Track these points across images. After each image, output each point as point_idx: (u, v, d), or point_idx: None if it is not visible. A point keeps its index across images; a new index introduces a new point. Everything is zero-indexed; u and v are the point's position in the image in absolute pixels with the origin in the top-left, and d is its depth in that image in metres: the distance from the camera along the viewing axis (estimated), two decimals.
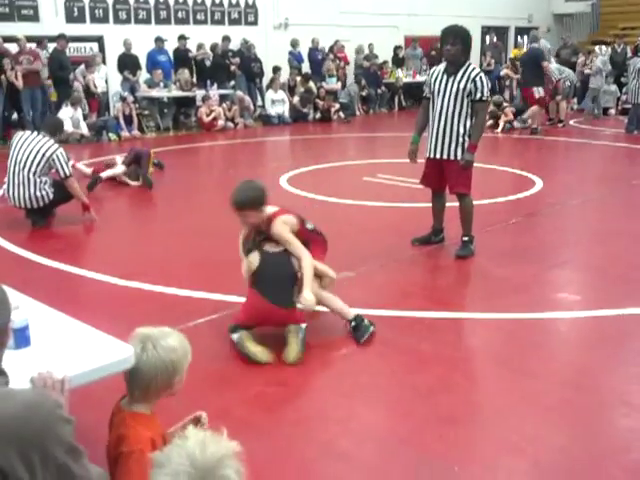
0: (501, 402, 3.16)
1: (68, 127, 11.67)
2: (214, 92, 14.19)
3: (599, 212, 7.06)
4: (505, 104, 14.10)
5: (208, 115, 13.48)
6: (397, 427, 2.98)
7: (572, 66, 16.99)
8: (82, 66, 12.80)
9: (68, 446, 1.39)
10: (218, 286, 4.58)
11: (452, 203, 5.50)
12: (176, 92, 13.65)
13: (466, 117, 5.15)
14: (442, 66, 5.27)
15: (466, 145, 5.16)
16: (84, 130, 11.96)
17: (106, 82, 13.44)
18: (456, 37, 5.09)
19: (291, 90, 15.66)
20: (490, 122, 13.54)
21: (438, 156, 5.29)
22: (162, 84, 13.61)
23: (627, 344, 3.83)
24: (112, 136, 12.38)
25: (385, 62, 17.78)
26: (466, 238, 5.39)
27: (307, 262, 3.74)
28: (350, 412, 3.09)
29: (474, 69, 5.14)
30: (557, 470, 2.63)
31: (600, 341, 3.84)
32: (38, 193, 6.28)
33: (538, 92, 12.49)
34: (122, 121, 12.61)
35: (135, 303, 4.37)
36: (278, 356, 3.65)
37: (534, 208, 7.07)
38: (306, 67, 16.44)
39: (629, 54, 16.74)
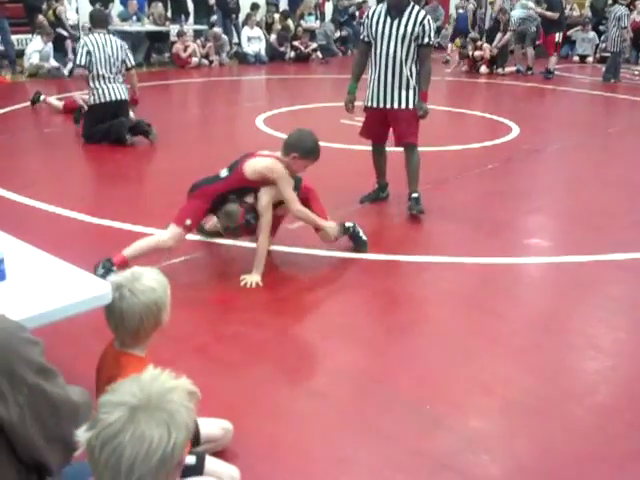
0: (472, 343, 3.23)
1: (35, 59, 11.35)
2: (188, 27, 13.81)
3: (574, 159, 7.10)
4: (480, 42, 13.99)
5: (184, 51, 13.15)
6: (371, 366, 3.02)
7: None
8: None
9: (37, 366, 1.35)
10: None
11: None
12: (150, 26, 13.26)
13: (412, 62, 4.79)
14: (381, 7, 4.83)
15: (413, 92, 4.84)
16: (53, 63, 11.61)
17: (77, 13, 13.00)
18: None
19: (268, 28, 15.31)
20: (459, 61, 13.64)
21: (382, 105, 4.91)
22: (135, 17, 13.19)
23: (596, 289, 3.91)
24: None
25: (364, 1, 17.41)
26: (416, 195, 5.01)
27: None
28: (325, 352, 3.13)
29: (420, 11, 4.75)
30: (525, 410, 2.70)
31: (570, 286, 3.91)
32: (123, 86, 6.97)
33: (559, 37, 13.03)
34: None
35: (108, 241, 4.32)
36: (254, 298, 3.67)
37: (510, 154, 7.09)
38: (284, 4, 16.03)
39: (609, 1, 16.62)
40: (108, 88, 6.87)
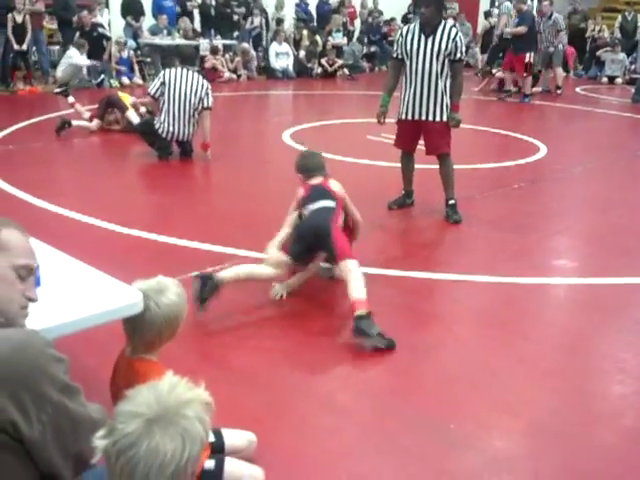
0: (497, 363, 3.20)
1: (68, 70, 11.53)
2: (217, 42, 13.98)
3: (602, 181, 7.04)
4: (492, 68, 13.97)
5: (216, 65, 13.32)
6: (394, 384, 3.02)
7: (581, 33, 16.79)
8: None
9: (61, 384, 1.37)
10: (219, 239, 4.58)
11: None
12: (180, 40, 13.42)
13: (446, 77, 5.10)
14: (414, 25, 5.15)
15: (446, 106, 5.11)
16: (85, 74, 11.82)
17: (109, 26, 13.22)
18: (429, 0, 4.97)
19: (296, 44, 15.44)
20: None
21: (417, 117, 5.20)
22: (165, 31, 13.38)
23: (624, 312, 3.86)
24: (113, 82, 12.23)
25: (393, 19, 17.50)
26: (453, 201, 5.34)
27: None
28: (348, 369, 3.13)
29: (452, 28, 5.07)
30: (550, 432, 2.67)
31: (597, 309, 3.87)
32: (192, 128, 6.95)
33: (530, 57, 12.10)
34: (114, 64, 12.43)
35: (135, 251, 4.38)
36: (277, 310, 3.68)
37: (537, 174, 7.05)
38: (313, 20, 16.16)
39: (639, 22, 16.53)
40: (174, 128, 6.87)
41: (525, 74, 12.29)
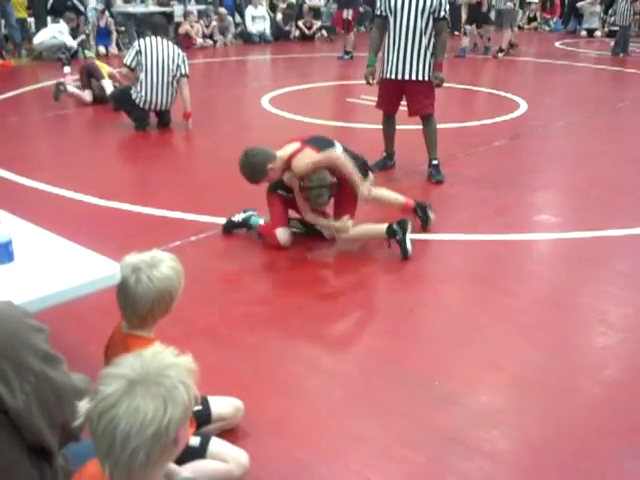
0: (480, 320, 3.23)
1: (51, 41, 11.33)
2: (192, 7, 13.72)
3: (583, 135, 7.05)
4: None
5: (190, 32, 13.08)
6: (380, 344, 3.03)
7: None
8: None
9: (43, 354, 1.36)
10: (201, 208, 4.55)
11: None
12: (153, 7, 13.18)
13: (430, 35, 5.02)
14: None
15: (429, 64, 5.05)
16: (71, 43, 11.60)
17: None
18: None
19: (272, 7, 15.19)
20: None
21: (400, 77, 5.11)
22: None
23: (606, 265, 3.89)
24: (88, 53, 12.00)
25: None
26: (436, 161, 5.31)
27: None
28: (333, 332, 3.14)
29: None
30: (534, 385, 2.70)
31: (580, 262, 3.90)
32: (171, 97, 6.84)
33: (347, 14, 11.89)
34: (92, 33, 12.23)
35: (117, 223, 4.34)
36: (262, 277, 3.68)
37: (518, 130, 7.04)
38: None
39: None
40: (152, 97, 6.76)
41: (343, 31, 12.35)
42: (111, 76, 8.17)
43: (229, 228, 4.16)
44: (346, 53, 12.45)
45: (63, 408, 1.39)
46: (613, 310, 3.36)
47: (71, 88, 8.01)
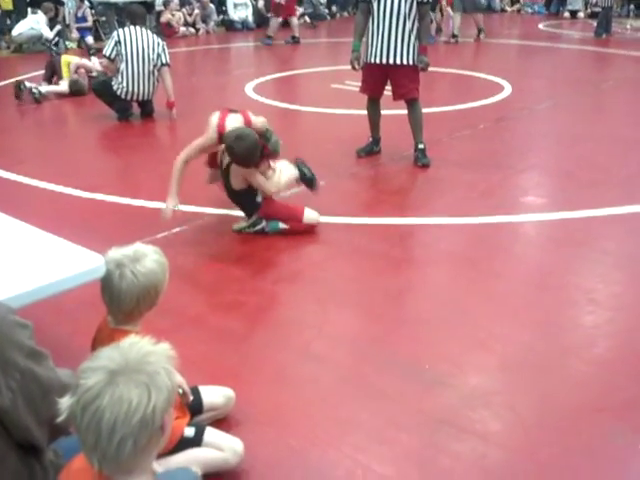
0: (469, 302, 3.23)
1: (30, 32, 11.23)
2: None
3: (567, 116, 7.06)
4: None
5: (171, 21, 12.96)
6: (369, 329, 3.03)
7: None
8: None
9: (28, 350, 1.35)
10: (186, 198, 4.51)
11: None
12: None
13: (414, 20, 5.00)
14: None
15: (414, 48, 5.03)
16: (49, 34, 11.49)
17: None
18: None
19: None
20: None
21: (384, 61, 5.09)
22: None
23: (593, 244, 3.91)
24: (69, 44, 11.88)
25: None
26: (422, 145, 5.30)
27: None
28: (324, 317, 3.13)
29: None
30: (524, 365, 2.72)
31: (567, 242, 3.91)
32: (153, 86, 6.80)
33: None
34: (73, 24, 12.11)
35: (102, 215, 4.30)
36: (249, 266, 3.67)
37: (503, 113, 7.04)
38: None
39: None
40: (134, 88, 6.71)
41: (271, 14, 12.45)
42: (80, 68, 8.11)
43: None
44: (267, 37, 12.43)
45: (50, 404, 1.38)
46: (601, 289, 3.37)
47: (44, 88, 7.93)
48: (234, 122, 3.86)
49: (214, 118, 3.91)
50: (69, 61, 8.21)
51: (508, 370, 2.70)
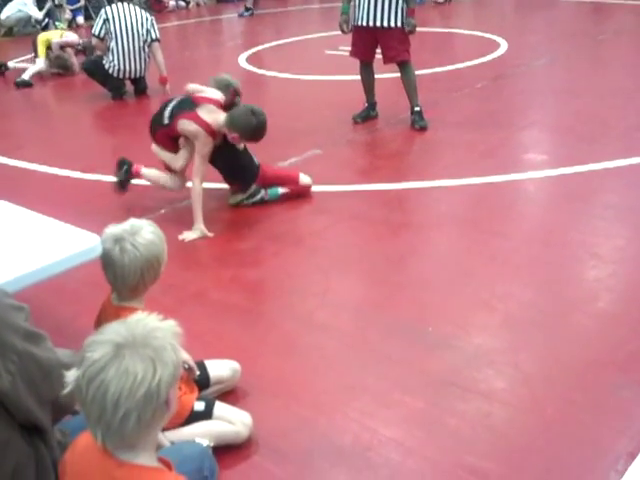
0: (471, 263, 3.23)
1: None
2: None
3: (565, 71, 6.97)
4: None
5: None
6: (371, 295, 3.04)
7: None
8: None
9: (24, 332, 1.35)
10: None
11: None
12: None
13: None
14: None
15: (402, 10, 4.96)
16: (37, 15, 11.36)
17: None
18: None
19: None
20: None
21: (372, 24, 5.03)
22: None
23: (594, 199, 3.89)
24: (59, 24, 11.73)
25: None
26: (418, 108, 5.25)
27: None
28: (326, 285, 3.13)
29: None
30: (527, 323, 2.72)
31: (568, 198, 3.89)
32: (144, 63, 6.76)
33: None
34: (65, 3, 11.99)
35: (101, 196, 4.29)
36: (249, 239, 3.67)
37: (500, 71, 6.95)
38: None
39: None
40: (126, 65, 6.65)
41: None
42: (65, 46, 8.05)
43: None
44: (246, 10, 12.20)
45: (51, 384, 1.38)
46: (603, 243, 3.36)
47: (30, 70, 7.86)
48: (210, 113, 3.73)
49: (187, 125, 3.71)
50: (48, 38, 8.10)
51: (512, 328, 2.71)
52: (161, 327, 1.28)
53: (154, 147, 3.99)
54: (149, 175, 4.01)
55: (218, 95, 3.88)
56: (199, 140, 3.69)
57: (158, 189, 4.07)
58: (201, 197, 3.70)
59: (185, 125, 3.73)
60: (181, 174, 3.94)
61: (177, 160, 3.88)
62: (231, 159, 3.92)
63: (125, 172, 4.02)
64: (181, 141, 3.84)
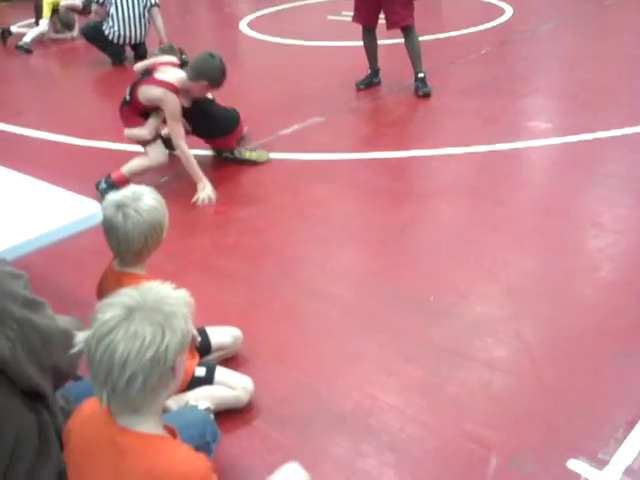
0: (473, 232, 3.22)
1: None
2: None
3: (570, 37, 6.87)
4: None
5: None
6: (373, 264, 3.04)
7: None
8: None
9: (23, 299, 1.34)
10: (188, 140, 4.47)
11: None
12: None
13: None
14: None
15: None
16: None
17: None
18: None
19: None
20: None
21: None
22: None
23: (597, 168, 3.86)
24: None
25: None
26: (422, 74, 5.18)
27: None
28: (327, 254, 3.13)
29: None
30: (529, 291, 2.72)
31: (571, 166, 3.86)
32: (144, 28, 6.69)
33: None
34: None
35: (102, 162, 4.26)
36: (250, 207, 3.65)
37: (504, 37, 6.85)
38: None
39: None
40: (126, 31, 6.58)
41: None
42: (69, 9, 7.98)
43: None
44: None
45: (51, 351, 1.39)
46: (605, 212, 3.34)
47: (31, 33, 7.79)
48: (168, 72, 3.74)
49: (149, 90, 3.71)
50: (55, 0, 8.02)
51: (513, 297, 2.71)
52: (173, 295, 1.30)
53: (125, 131, 3.92)
54: (131, 167, 3.83)
55: (171, 59, 3.92)
56: (166, 102, 3.66)
57: None
58: (192, 157, 3.73)
59: (147, 92, 3.71)
60: (155, 142, 3.86)
61: (145, 128, 3.83)
62: (207, 115, 3.93)
63: (109, 187, 3.60)
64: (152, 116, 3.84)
